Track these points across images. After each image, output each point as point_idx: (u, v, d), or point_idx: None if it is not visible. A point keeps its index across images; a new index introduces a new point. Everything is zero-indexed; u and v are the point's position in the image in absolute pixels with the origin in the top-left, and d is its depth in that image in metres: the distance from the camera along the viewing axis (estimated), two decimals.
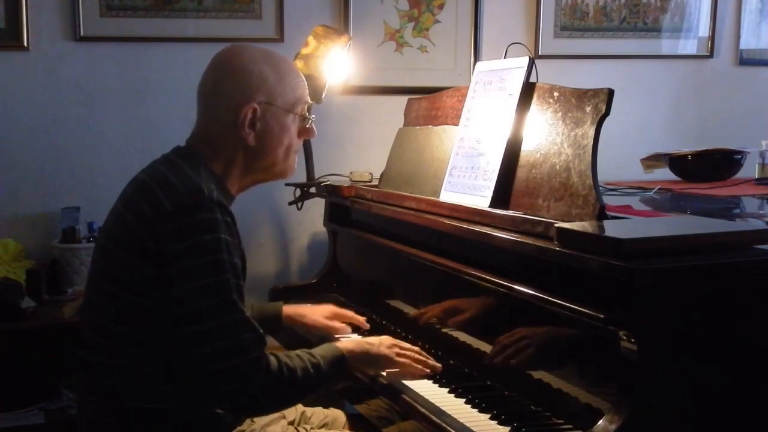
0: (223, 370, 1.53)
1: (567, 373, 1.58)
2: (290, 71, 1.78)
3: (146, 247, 1.55)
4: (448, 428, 1.57)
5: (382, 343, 1.85)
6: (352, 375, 1.81)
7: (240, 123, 1.70)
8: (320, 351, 1.73)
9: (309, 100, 1.82)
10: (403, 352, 1.85)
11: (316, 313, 2.18)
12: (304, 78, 1.81)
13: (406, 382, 1.79)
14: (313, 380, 1.66)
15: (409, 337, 2.10)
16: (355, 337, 2.11)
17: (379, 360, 1.82)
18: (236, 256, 1.59)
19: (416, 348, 1.88)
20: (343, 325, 2.18)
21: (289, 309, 2.16)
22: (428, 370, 1.83)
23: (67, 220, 2.78)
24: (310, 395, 1.72)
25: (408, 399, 1.72)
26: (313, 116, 1.82)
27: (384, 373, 1.83)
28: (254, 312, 2.08)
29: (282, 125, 1.74)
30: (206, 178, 1.64)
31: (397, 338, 1.92)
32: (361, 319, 2.21)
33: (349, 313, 2.22)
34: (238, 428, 1.76)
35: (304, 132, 1.81)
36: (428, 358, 1.87)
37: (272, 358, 1.59)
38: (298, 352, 1.69)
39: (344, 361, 1.75)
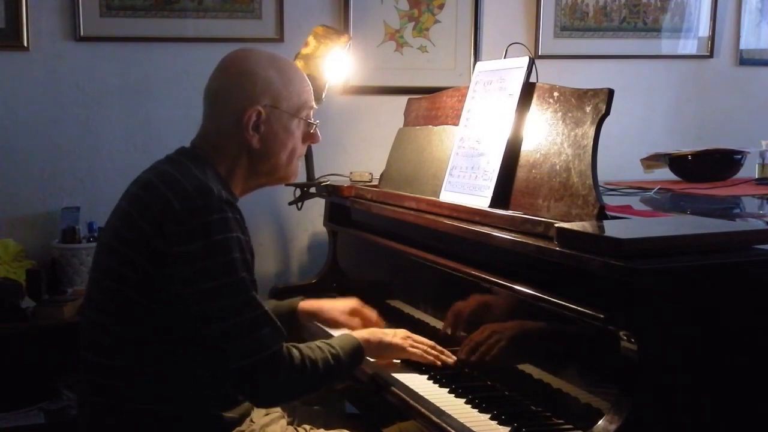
0: (248, 367, 1.55)
1: (567, 373, 1.58)
2: (296, 76, 1.78)
3: (153, 246, 1.55)
4: (448, 428, 1.57)
5: (396, 333, 1.91)
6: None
7: (244, 125, 1.70)
8: (338, 342, 1.78)
9: (315, 105, 1.82)
10: (417, 345, 1.88)
11: (335, 309, 2.10)
12: (310, 83, 1.82)
13: (407, 382, 1.79)
14: (334, 370, 1.71)
15: None
16: None
17: (393, 349, 1.87)
18: (248, 252, 1.62)
19: (431, 342, 1.91)
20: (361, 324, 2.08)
21: (306, 304, 2.10)
22: (439, 363, 1.86)
23: (67, 220, 2.78)
24: (331, 385, 1.80)
25: (408, 399, 1.72)
26: (318, 121, 1.83)
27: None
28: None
29: (286, 129, 1.75)
30: (212, 179, 1.64)
31: None
32: (380, 325, 2.08)
33: (371, 315, 2.10)
34: (238, 428, 1.75)
35: (309, 137, 1.81)
36: (442, 351, 1.89)
37: (295, 351, 1.63)
38: (317, 343, 1.73)
39: (361, 350, 1.79)
